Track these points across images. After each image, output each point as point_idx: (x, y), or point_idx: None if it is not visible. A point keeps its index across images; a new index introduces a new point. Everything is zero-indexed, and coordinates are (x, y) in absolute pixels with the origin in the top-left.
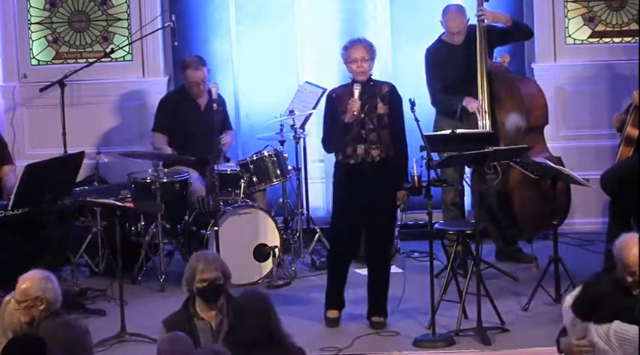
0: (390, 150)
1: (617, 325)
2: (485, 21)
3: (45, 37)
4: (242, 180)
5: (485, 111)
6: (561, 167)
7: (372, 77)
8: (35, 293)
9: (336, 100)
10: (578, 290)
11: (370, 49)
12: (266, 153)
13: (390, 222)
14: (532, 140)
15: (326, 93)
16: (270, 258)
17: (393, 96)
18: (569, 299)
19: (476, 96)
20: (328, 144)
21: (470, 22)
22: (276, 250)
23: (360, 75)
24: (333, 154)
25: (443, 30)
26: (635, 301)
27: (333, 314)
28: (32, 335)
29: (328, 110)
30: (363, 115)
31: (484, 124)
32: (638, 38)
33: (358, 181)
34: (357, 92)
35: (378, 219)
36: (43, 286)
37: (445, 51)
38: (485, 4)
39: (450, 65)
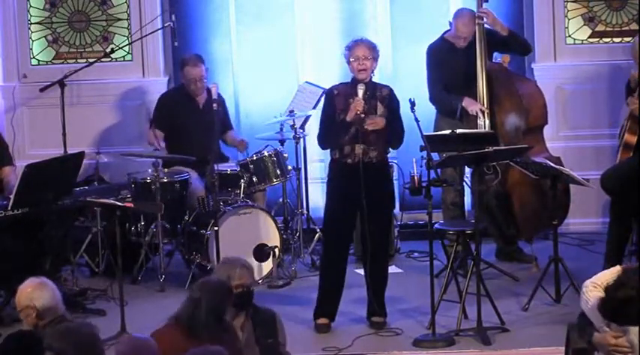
0: (387, 151)
1: None
2: (485, 19)
3: (45, 37)
4: (242, 180)
5: (487, 111)
6: (561, 167)
7: (372, 79)
8: (24, 302)
9: (336, 97)
10: (597, 277)
11: (373, 49)
12: (266, 153)
13: (387, 222)
14: (531, 140)
15: (329, 88)
16: (270, 258)
17: (391, 100)
18: (590, 287)
19: (475, 97)
20: (325, 140)
21: None
22: (276, 250)
23: (361, 73)
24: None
25: (443, 29)
26: None
27: (322, 321)
28: (27, 331)
29: (327, 106)
30: (363, 115)
31: (484, 124)
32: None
33: (355, 181)
34: (361, 92)
35: (376, 218)
36: (32, 295)
37: (447, 50)
38: (484, 4)
39: (451, 65)
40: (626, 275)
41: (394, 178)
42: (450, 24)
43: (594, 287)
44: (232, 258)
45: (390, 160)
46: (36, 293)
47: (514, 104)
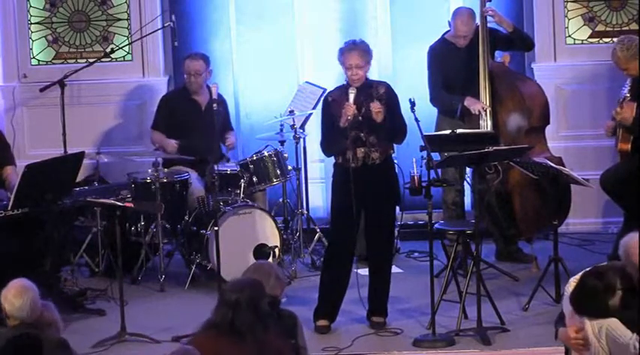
0: (390, 150)
1: (611, 323)
2: (489, 19)
3: (45, 37)
4: (242, 180)
5: (488, 110)
6: (561, 167)
7: (367, 78)
8: (1, 298)
9: (332, 104)
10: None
11: (365, 54)
12: (266, 153)
13: (390, 223)
14: (533, 140)
15: (325, 94)
16: (270, 258)
17: (389, 96)
18: (572, 283)
19: (477, 96)
20: (327, 148)
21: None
22: (276, 250)
23: (354, 82)
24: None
25: (443, 29)
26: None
27: (322, 323)
28: (30, 334)
29: (325, 114)
30: (360, 118)
31: (485, 124)
32: (637, 38)
33: (358, 183)
34: (352, 96)
35: (380, 219)
36: (7, 296)
37: (448, 50)
38: (488, 3)
39: (452, 65)
40: (609, 269)
41: None
42: (449, 23)
43: (575, 282)
44: (267, 264)
45: None
46: (9, 296)
47: (516, 104)
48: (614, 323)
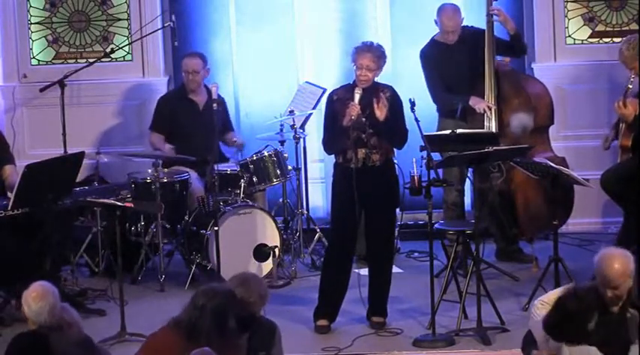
0: (390, 153)
1: (592, 352)
2: (495, 18)
3: (45, 37)
4: (242, 180)
5: (493, 109)
6: (562, 167)
7: (374, 81)
8: (23, 301)
9: (336, 103)
10: (546, 296)
11: (378, 59)
12: (266, 153)
13: (390, 223)
14: (536, 140)
15: (326, 93)
16: (270, 258)
17: (394, 101)
18: (539, 305)
19: (478, 95)
20: (328, 146)
21: (470, 24)
22: (276, 250)
23: (362, 83)
24: (332, 155)
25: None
26: (611, 317)
27: (322, 322)
28: (36, 332)
29: (328, 112)
30: (364, 119)
31: (490, 124)
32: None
33: (358, 184)
34: (357, 96)
35: (380, 219)
36: (27, 299)
37: (439, 51)
38: (494, 3)
39: (445, 64)
40: (583, 291)
41: None
42: (436, 22)
43: (542, 305)
44: (253, 282)
45: None
46: (29, 299)
47: (522, 103)
48: (594, 352)
